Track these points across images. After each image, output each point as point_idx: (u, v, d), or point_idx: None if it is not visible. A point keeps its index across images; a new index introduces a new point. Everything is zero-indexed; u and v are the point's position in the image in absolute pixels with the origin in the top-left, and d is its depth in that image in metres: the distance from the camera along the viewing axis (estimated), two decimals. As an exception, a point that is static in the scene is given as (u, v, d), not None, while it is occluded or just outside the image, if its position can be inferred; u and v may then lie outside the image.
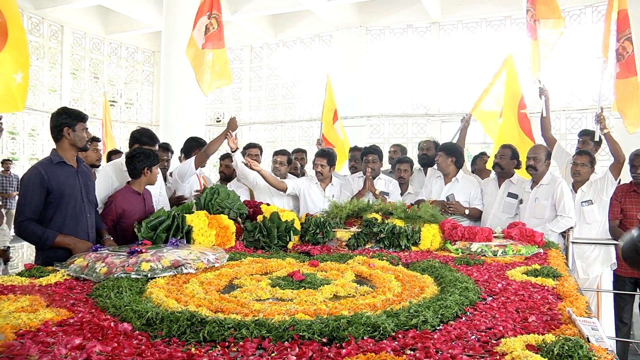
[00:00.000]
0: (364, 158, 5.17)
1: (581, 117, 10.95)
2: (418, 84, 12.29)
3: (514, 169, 4.94)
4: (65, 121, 3.36)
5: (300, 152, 6.44)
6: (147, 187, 4.05)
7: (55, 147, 3.46)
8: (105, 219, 3.75)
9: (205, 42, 5.62)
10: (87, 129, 3.48)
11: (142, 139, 4.30)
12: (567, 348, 1.57)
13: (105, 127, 10.38)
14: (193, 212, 3.73)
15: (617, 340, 4.49)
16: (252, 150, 5.45)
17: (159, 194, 4.46)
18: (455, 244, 3.79)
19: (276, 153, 5.41)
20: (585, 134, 5.25)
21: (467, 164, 5.78)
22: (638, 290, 4.62)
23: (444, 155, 4.97)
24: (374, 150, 5.19)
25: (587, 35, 10.62)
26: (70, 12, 11.97)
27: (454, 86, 11.98)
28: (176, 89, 9.12)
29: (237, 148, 5.02)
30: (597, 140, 5.07)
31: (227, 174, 5.23)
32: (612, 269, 4.64)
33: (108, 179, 4.08)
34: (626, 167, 4.61)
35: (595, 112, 4.95)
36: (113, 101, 13.64)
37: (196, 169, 4.86)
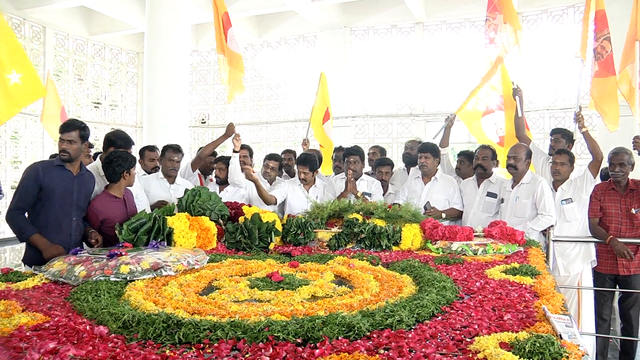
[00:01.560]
0: (346, 159, 5.17)
1: (564, 116, 11.01)
2: (402, 84, 12.30)
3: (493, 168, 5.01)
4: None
5: (289, 153, 6.44)
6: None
7: None
8: (89, 223, 3.81)
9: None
10: (63, 140, 3.64)
11: (117, 142, 4.29)
12: (538, 345, 1.59)
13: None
14: (174, 214, 3.73)
15: (597, 337, 4.55)
16: (241, 152, 5.49)
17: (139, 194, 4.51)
18: (436, 243, 3.81)
19: (268, 157, 5.46)
20: (557, 132, 5.30)
21: (453, 164, 5.80)
22: (617, 287, 4.68)
23: (432, 157, 5.01)
24: (355, 151, 5.19)
25: (570, 35, 10.71)
26: (52, 13, 11.81)
27: (439, 86, 12.01)
28: (159, 91, 9.06)
29: (239, 150, 5.19)
30: (575, 138, 5.13)
31: (222, 178, 5.20)
32: (592, 267, 4.69)
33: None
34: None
35: (575, 110, 5.02)
36: (97, 103, 13.52)
37: (193, 171, 5.34)
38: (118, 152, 3.93)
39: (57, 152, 3.84)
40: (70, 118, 3.99)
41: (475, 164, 5.02)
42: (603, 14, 5.01)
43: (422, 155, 4.99)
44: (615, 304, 4.94)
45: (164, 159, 4.90)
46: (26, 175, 3.62)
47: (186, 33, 9.50)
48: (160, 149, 5.11)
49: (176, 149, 4.94)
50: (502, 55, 5.53)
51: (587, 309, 4.55)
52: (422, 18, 11.75)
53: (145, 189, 4.67)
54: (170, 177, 4.91)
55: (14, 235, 3.77)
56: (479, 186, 4.96)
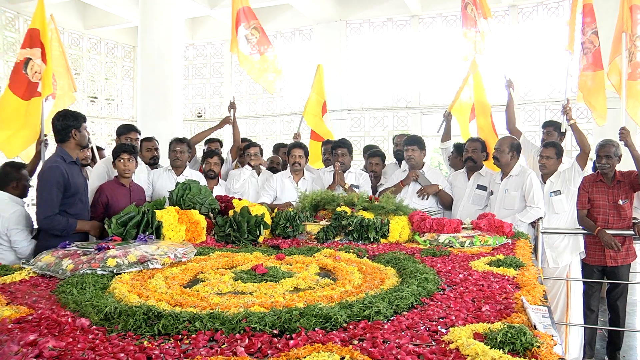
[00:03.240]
0: (334, 152, 5.21)
1: (560, 108, 11.03)
2: (398, 77, 12.33)
3: (483, 161, 5.03)
4: (72, 123, 3.71)
5: (285, 147, 6.48)
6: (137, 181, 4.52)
7: (60, 146, 3.75)
8: (96, 208, 4.07)
9: (255, 53, 6.35)
10: (86, 127, 3.85)
11: (118, 129, 4.97)
12: (510, 335, 1.61)
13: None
14: (164, 208, 3.75)
15: (585, 327, 4.59)
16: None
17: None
18: (423, 235, 3.83)
19: (248, 146, 5.53)
20: (550, 125, 5.34)
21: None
22: (605, 278, 4.71)
23: (418, 150, 5.03)
24: (343, 144, 5.25)
25: (566, 28, 10.70)
26: (47, 6, 11.76)
27: (434, 79, 12.04)
28: (153, 85, 9.07)
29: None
30: (563, 131, 5.15)
31: (215, 172, 5.23)
32: (580, 258, 4.72)
33: (104, 174, 4.51)
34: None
35: (562, 103, 5.05)
36: (94, 97, 13.51)
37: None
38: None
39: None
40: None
41: (465, 157, 5.04)
42: (590, 7, 5.03)
43: (409, 148, 5.00)
44: (603, 294, 4.98)
45: (169, 151, 5.11)
46: (51, 178, 3.55)
47: (179, 26, 9.49)
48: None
49: (180, 140, 5.13)
50: (484, 48, 5.57)
51: (576, 300, 4.58)
52: (418, 11, 11.75)
53: (154, 182, 4.89)
54: (178, 169, 5.05)
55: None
56: (469, 179, 4.99)
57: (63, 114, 3.73)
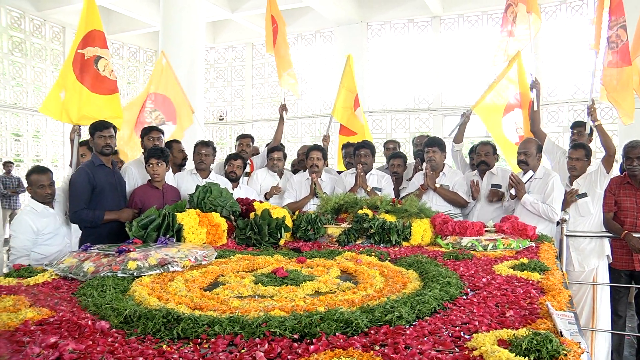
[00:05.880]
0: (356, 153, 5.19)
1: (584, 109, 10.83)
2: (420, 78, 12.28)
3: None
4: (91, 132, 4.14)
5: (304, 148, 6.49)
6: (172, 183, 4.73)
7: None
8: None
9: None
10: (104, 136, 4.10)
11: (141, 132, 4.96)
12: (535, 342, 1.56)
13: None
14: (184, 211, 3.76)
15: (613, 333, 4.48)
16: (243, 140, 6.04)
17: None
18: (446, 238, 3.78)
19: (271, 150, 5.53)
20: (579, 125, 5.22)
21: (467, 159, 5.76)
22: (633, 282, 4.59)
23: (439, 152, 4.98)
24: (365, 145, 5.22)
25: (590, 27, 10.54)
26: (71, 13, 11.98)
27: (456, 80, 11.97)
28: (175, 88, 9.12)
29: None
30: (588, 132, 5.05)
31: (237, 175, 5.21)
32: (607, 262, 4.60)
33: (132, 175, 4.71)
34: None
35: (587, 104, 4.94)
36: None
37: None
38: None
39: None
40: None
41: (478, 161, 5.01)
42: (618, 2, 4.88)
43: (430, 150, 4.95)
44: (632, 300, 4.85)
45: (194, 154, 5.11)
46: (77, 179, 4.00)
47: (201, 30, 9.55)
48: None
49: (205, 143, 5.14)
50: (520, 49, 5.46)
51: (603, 305, 4.47)
52: (439, 12, 11.68)
53: (179, 185, 4.87)
54: (203, 172, 5.04)
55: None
56: (482, 179, 4.98)
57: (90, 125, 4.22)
